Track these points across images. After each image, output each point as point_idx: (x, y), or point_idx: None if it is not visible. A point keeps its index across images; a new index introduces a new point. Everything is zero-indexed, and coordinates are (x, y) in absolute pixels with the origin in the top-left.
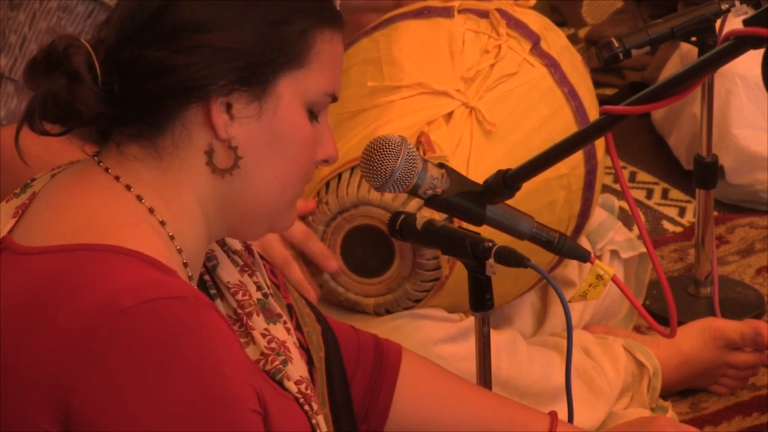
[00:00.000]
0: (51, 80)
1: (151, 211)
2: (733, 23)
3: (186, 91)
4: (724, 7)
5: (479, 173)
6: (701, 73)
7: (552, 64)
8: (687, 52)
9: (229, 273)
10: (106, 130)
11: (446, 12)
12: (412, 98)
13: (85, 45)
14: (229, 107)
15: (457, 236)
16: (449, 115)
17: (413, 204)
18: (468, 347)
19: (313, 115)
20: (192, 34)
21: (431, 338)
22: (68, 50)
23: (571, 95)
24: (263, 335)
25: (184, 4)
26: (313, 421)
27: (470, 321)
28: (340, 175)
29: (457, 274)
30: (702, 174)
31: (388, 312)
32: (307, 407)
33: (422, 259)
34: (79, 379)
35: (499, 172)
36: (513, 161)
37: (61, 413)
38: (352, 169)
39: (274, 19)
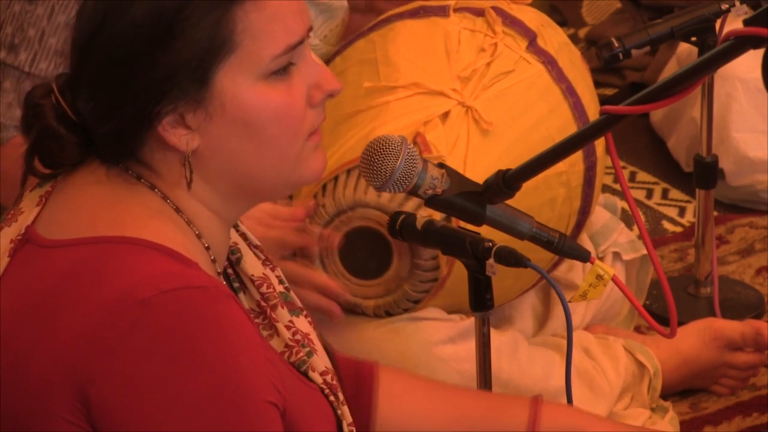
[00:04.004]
0: (32, 137)
1: (177, 210)
2: (733, 23)
3: (133, 126)
4: (724, 7)
5: (477, 172)
6: (701, 73)
7: (549, 61)
8: (686, 57)
9: (252, 266)
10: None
11: (442, 11)
12: (409, 98)
13: (54, 94)
14: (183, 118)
15: (457, 236)
16: (445, 115)
17: (410, 205)
18: (468, 348)
19: (280, 72)
20: (116, 72)
21: (431, 339)
22: (37, 109)
23: (569, 92)
24: (288, 327)
25: (103, 41)
26: (339, 411)
27: (470, 322)
28: (336, 178)
29: (455, 274)
30: (702, 174)
31: (388, 314)
32: (332, 398)
33: (420, 259)
34: (97, 369)
35: (499, 172)
36: (511, 159)
37: (82, 404)
38: (349, 171)
39: (182, 29)
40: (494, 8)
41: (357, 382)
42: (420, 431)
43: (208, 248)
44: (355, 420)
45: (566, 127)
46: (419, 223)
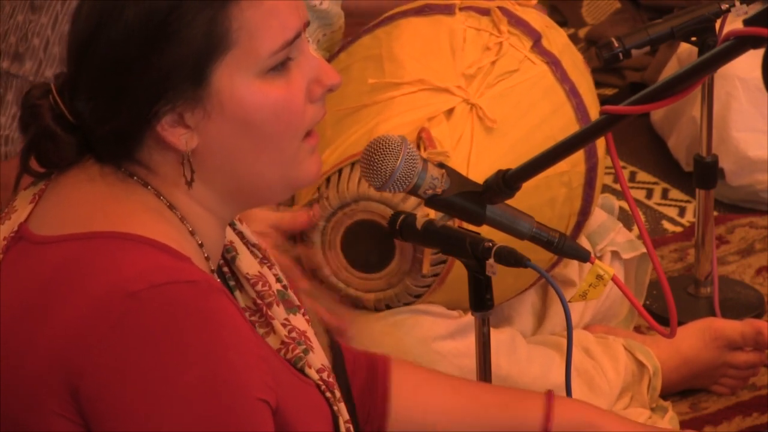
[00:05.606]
0: (29, 136)
1: (171, 207)
2: (734, 23)
3: (132, 126)
4: (724, 7)
5: (480, 170)
6: (701, 73)
7: (553, 62)
8: (686, 57)
9: (248, 264)
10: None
11: (448, 9)
12: (413, 95)
13: (53, 94)
14: (182, 117)
15: (457, 236)
16: (450, 112)
17: (414, 200)
18: (467, 344)
19: (278, 68)
20: (113, 75)
21: (431, 334)
22: (35, 110)
23: (572, 93)
24: (284, 325)
25: (99, 45)
26: (335, 407)
27: (469, 318)
28: (340, 171)
29: (456, 270)
30: (702, 174)
31: (389, 307)
32: (328, 394)
33: (422, 254)
34: (86, 362)
35: (499, 171)
36: (514, 158)
37: (73, 398)
38: (353, 164)
39: (176, 28)
40: (500, 8)
41: (370, 374)
42: (436, 422)
43: (201, 245)
44: (370, 412)
45: (569, 127)
46: (419, 223)
